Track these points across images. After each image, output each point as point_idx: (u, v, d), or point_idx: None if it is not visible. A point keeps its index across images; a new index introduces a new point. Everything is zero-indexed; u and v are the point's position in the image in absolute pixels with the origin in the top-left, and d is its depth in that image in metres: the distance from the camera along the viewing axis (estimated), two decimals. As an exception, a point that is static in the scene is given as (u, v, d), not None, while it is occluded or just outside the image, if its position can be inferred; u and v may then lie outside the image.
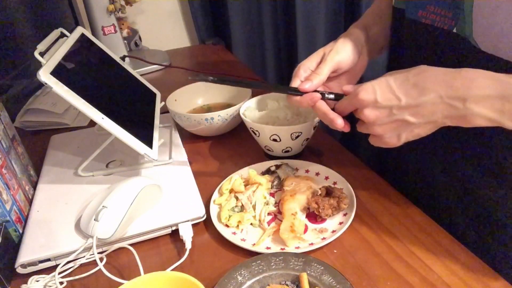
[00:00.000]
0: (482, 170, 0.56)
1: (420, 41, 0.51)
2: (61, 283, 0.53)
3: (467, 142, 0.56)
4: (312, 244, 0.54)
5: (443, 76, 0.44)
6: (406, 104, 0.46)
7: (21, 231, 0.60)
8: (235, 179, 0.66)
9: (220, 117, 0.77)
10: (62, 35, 0.71)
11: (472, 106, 0.43)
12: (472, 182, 0.57)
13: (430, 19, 0.54)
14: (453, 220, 0.60)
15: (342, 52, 0.57)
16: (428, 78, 0.45)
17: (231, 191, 0.65)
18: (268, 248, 0.55)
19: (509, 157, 0.52)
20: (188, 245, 0.56)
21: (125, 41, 1.26)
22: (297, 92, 0.55)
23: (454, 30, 0.51)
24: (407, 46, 0.59)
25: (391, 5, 0.62)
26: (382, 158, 0.79)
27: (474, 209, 0.58)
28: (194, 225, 0.60)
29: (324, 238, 0.55)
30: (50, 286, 0.53)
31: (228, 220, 0.59)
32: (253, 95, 0.81)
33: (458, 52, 0.50)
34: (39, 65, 0.58)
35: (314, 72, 0.56)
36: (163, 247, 0.58)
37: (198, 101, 0.91)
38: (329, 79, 0.58)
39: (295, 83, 0.57)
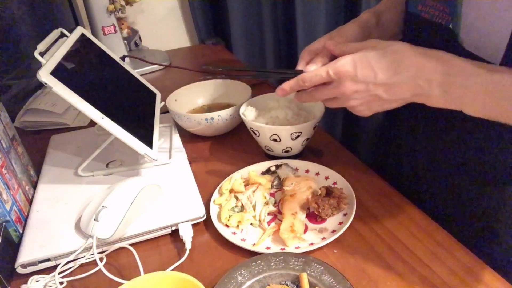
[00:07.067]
0: (472, 170, 0.56)
1: (419, 34, 0.53)
2: (61, 283, 0.53)
3: (456, 144, 0.56)
4: (312, 244, 0.54)
5: (418, 57, 0.46)
6: (381, 82, 0.47)
7: (21, 231, 0.60)
8: (235, 179, 0.66)
9: (220, 117, 0.77)
10: (62, 35, 0.71)
11: (436, 89, 0.45)
12: (462, 183, 0.57)
13: (429, 13, 0.55)
14: (451, 220, 0.60)
15: (348, 36, 0.58)
16: (404, 57, 0.46)
17: (231, 191, 0.65)
18: (268, 248, 0.55)
19: (499, 157, 0.53)
20: (188, 245, 0.56)
21: (125, 41, 1.26)
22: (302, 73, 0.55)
23: (450, 26, 0.51)
24: (408, 39, 0.59)
25: None
26: (381, 157, 0.79)
27: (471, 208, 0.58)
28: (194, 225, 0.60)
29: (324, 238, 0.55)
30: (50, 286, 0.53)
31: (228, 220, 0.59)
32: (253, 95, 0.81)
33: (452, 47, 0.50)
34: (39, 65, 0.58)
35: (318, 55, 0.56)
36: (163, 247, 0.58)
37: (198, 101, 0.90)
38: None
39: (300, 65, 0.58)
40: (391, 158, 0.75)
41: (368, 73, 0.47)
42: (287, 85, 0.56)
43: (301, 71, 0.55)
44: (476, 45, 0.48)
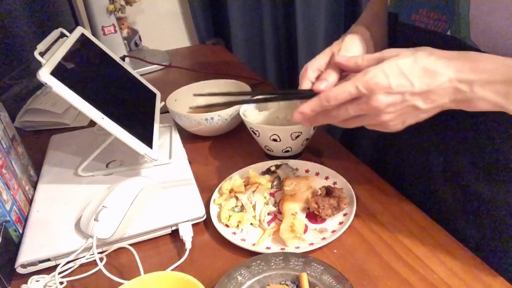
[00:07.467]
0: (480, 168, 0.56)
1: (414, 44, 0.50)
2: (61, 283, 0.53)
3: (466, 140, 0.56)
4: (312, 244, 0.54)
5: (451, 59, 0.44)
6: (419, 90, 0.44)
7: (21, 231, 0.60)
8: (235, 179, 0.66)
9: (220, 117, 0.77)
10: (62, 35, 0.71)
11: (478, 90, 0.42)
12: (471, 180, 0.57)
13: (423, 22, 0.54)
14: (452, 219, 0.60)
15: (352, 50, 0.55)
16: (438, 61, 0.44)
17: (231, 191, 0.65)
18: (268, 248, 0.55)
19: (510, 155, 0.52)
20: (188, 245, 0.56)
21: (125, 41, 1.26)
22: (311, 94, 0.50)
23: (448, 33, 0.51)
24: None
25: (386, 8, 0.62)
26: (381, 157, 0.79)
27: (473, 207, 0.58)
28: (194, 225, 0.60)
29: (324, 238, 0.55)
30: (50, 286, 0.53)
31: (228, 220, 0.59)
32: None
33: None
34: (39, 65, 0.58)
35: (326, 71, 0.52)
36: (163, 247, 0.58)
37: (198, 101, 0.90)
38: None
39: (304, 84, 0.53)
40: (390, 157, 0.75)
41: (403, 82, 0.43)
42: (306, 108, 0.48)
43: (309, 91, 0.51)
44: (496, 46, 0.47)
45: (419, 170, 0.66)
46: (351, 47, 0.55)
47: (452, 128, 0.57)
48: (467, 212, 0.59)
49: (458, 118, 0.55)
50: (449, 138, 0.58)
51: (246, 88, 0.86)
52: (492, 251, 0.56)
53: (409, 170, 0.68)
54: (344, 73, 0.53)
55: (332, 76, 0.51)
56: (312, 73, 0.53)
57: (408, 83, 0.44)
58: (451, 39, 0.51)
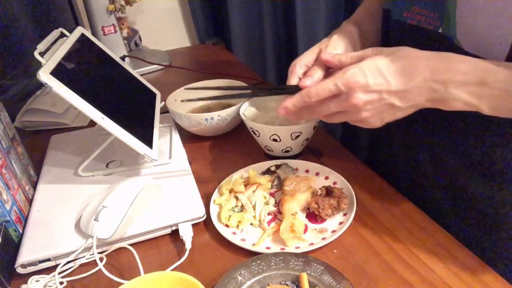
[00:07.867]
0: (472, 166, 0.56)
1: (406, 41, 0.51)
2: (61, 283, 0.53)
3: (458, 138, 0.56)
4: (312, 244, 0.54)
5: (428, 59, 0.45)
6: (395, 89, 0.45)
7: (21, 231, 0.60)
8: (235, 179, 0.66)
9: (220, 117, 0.77)
10: (62, 35, 0.71)
11: (452, 90, 0.44)
12: (461, 178, 0.57)
13: (415, 19, 0.54)
14: (446, 218, 0.60)
15: (339, 48, 0.56)
16: (415, 61, 0.45)
17: (231, 191, 0.65)
18: (268, 248, 0.55)
19: (498, 152, 0.53)
20: (188, 245, 0.56)
21: (125, 41, 1.26)
22: (297, 89, 0.52)
23: (440, 30, 0.51)
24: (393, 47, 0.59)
25: (381, 5, 0.62)
26: (374, 155, 0.79)
27: (462, 205, 0.58)
28: (194, 225, 0.60)
29: (324, 238, 0.55)
30: (50, 286, 0.53)
31: (228, 220, 0.59)
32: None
33: (448, 51, 0.50)
34: (39, 65, 0.58)
35: (313, 67, 0.54)
36: (163, 247, 0.59)
37: (198, 101, 0.90)
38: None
39: (292, 80, 0.55)
40: (383, 154, 0.75)
41: (380, 81, 0.45)
42: (289, 103, 0.51)
43: (295, 86, 0.53)
44: (478, 47, 0.47)
45: (409, 167, 0.66)
46: (338, 45, 0.57)
47: (441, 126, 0.58)
48: (457, 210, 0.59)
49: (447, 117, 0.56)
50: (438, 136, 0.59)
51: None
52: (485, 248, 0.56)
53: (400, 168, 0.68)
54: (331, 69, 0.54)
55: (317, 73, 0.52)
56: (299, 69, 0.55)
57: (385, 82, 0.45)
58: (441, 37, 0.51)
